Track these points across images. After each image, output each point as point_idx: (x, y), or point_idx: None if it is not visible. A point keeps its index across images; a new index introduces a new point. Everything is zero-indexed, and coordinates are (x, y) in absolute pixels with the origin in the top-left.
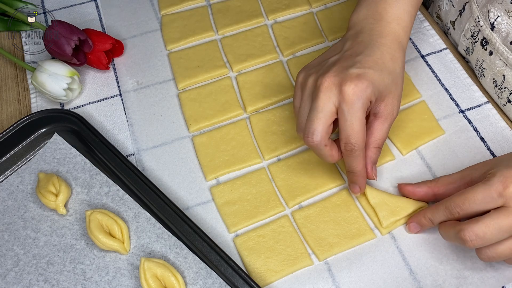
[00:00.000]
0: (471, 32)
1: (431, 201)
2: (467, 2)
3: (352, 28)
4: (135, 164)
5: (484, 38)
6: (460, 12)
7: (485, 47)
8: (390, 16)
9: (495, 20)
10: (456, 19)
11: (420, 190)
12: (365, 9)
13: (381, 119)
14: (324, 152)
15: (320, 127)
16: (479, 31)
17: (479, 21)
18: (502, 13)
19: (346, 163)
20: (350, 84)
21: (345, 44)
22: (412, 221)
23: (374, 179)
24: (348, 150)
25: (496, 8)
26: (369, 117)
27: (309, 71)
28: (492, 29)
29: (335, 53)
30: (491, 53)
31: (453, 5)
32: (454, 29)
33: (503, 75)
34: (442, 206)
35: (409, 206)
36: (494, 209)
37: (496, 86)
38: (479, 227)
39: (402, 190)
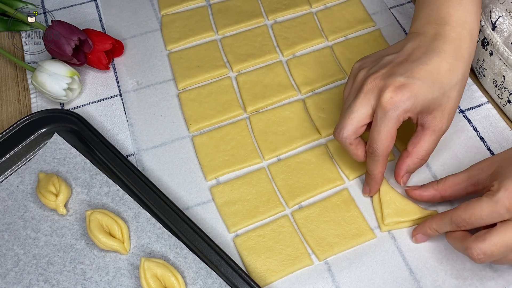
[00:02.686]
0: None
1: (438, 202)
2: None
3: (414, 32)
4: (135, 164)
5: (484, 38)
6: None
7: (485, 47)
8: (454, 20)
9: (497, 20)
10: None
11: (427, 194)
12: (426, 16)
13: (428, 131)
14: (349, 149)
15: (349, 126)
16: (480, 30)
17: (480, 20)
18: (504, 13)
19: (366, 164)
20: (390, 92)
21: (406, 45)
22: (418, 233)
23: (401, 185)
24: (369, 152)
25: (498, 8)
26: (417, 126)
27: (364, 64)
28: (493, 29)
29: (394, 51)
30: (491, 53)
31: None
32: None
33: (503, 76)
34: (447, 219)
35: (415, 212)
36: (501, 222)
37: (496, 86)
38: (487, 246)
39: (410, 194)
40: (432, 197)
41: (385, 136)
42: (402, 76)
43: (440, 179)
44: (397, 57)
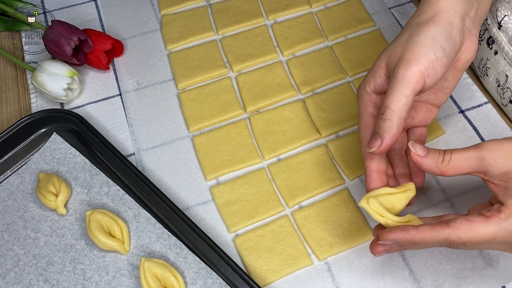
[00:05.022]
0: None
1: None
2: None
3: None
4: (135, 164)
5: (490, 36)
6: None
7: (490, 46)
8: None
9: (502, 19)
10: None
11: (427, 167)
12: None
13: (393, 82)
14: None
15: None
16: (486, 29)
17: (487, 19)
18: (509, 13)
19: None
20: None
21: None
22: (383, 243)
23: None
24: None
25: (503, 7)
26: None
27: None
28: (499, 28)
29: None
30: (496, 52)
31: None
32: None
33: (506, 75)
34: (441, 237)
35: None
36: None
37: (498, 86)
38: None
39: (410, 155)
40: (430, 171)
41: (360, 114)
42: None
43: (444, 154)
44: None
